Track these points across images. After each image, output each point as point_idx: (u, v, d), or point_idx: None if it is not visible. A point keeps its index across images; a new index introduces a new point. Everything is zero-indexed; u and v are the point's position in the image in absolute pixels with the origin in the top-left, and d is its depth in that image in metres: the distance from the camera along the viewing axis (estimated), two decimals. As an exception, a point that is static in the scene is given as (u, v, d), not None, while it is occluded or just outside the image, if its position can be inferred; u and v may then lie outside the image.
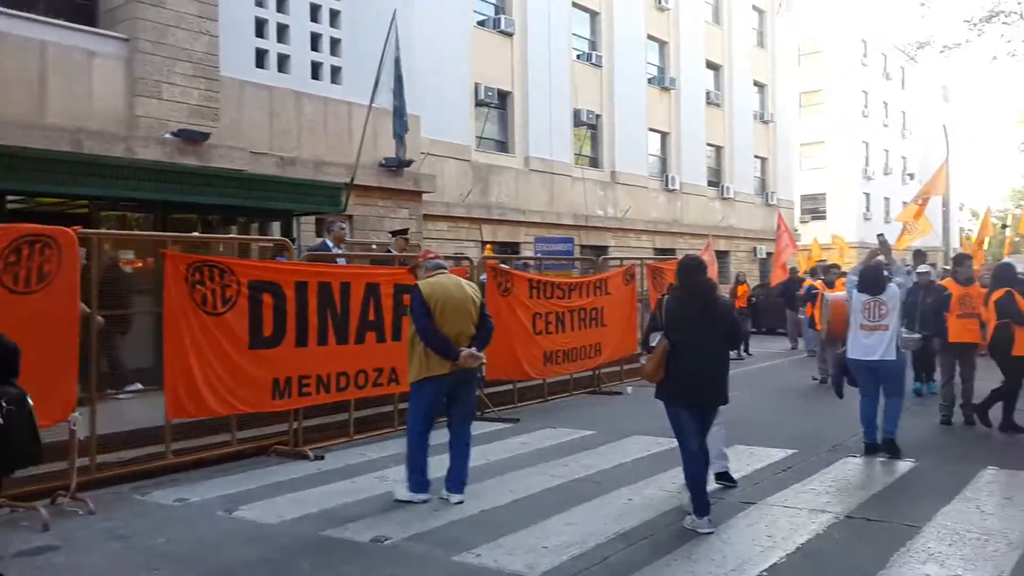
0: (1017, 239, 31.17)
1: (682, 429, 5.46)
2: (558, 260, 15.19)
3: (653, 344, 5.56)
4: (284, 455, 7.57)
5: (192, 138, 11.43)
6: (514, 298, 9.98)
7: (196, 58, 11.87)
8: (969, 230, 57.66)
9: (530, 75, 21.12)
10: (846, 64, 43.82)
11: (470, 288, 6.33)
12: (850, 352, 7.53)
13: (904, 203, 47.86)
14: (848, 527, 5.33)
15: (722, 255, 25.99)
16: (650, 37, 26.06)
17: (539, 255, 16.31)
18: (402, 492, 6.01)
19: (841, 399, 8.07)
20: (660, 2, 26.13)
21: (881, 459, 7.25)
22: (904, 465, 7.04)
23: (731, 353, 6.23)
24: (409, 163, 15.35)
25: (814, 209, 43.51)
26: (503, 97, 20.65)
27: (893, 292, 7.32)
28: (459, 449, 6.14)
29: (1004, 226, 35.24)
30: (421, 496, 5.95)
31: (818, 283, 13.06)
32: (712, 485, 5.89)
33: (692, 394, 5.43)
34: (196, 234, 10.29)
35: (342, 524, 5.46)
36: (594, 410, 10.34)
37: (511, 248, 20.08)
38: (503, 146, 20.97)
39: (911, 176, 50.04)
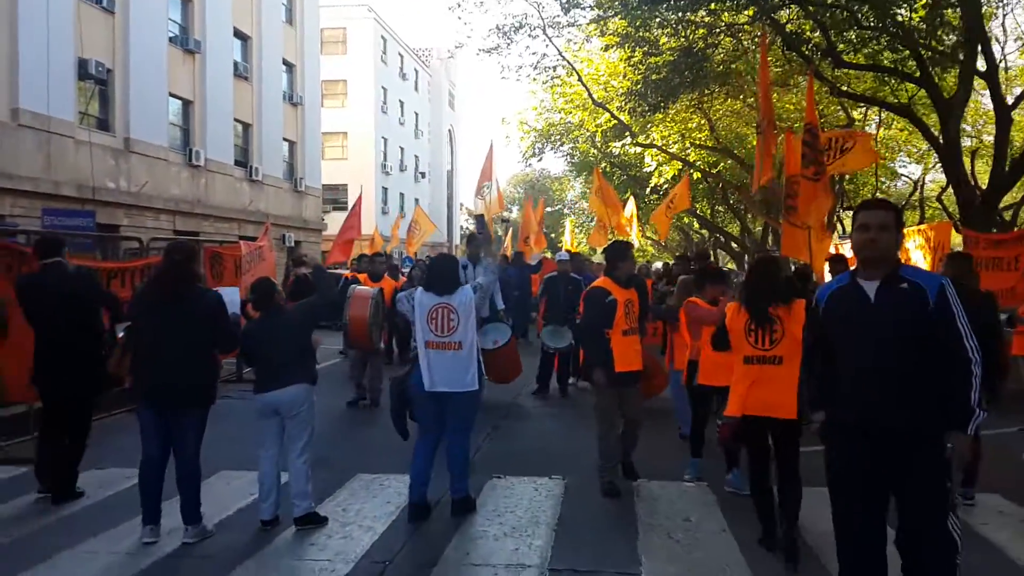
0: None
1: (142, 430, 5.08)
2: (75, 237, 11.80)
3: (119, 336, 5.61)
4: None
5: None
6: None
7: None
8: (467, 230, 63.24)
9: (20, 6, 16.90)
10: (366, 59, 44.60)
11: None
12: (413, 377, 5.56)
13: (416, 200, 50.82)
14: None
15: (250, 241, 23.99)
16: (173, -10, 22.99)
17: (48, 230, 12.79)
18: None
19: (405, 440, 5.75)
20: (185, -48, 23.19)
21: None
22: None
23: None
24: None
25: (335, 200, 43.47)
26: (-19, 28, 16.19)
27: (464, 297, 5.51)
28: None
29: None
30: None
31: (361, 275, 11.17)
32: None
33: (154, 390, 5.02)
34: None
35: None
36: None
37: (-9, 221, 15.78)
38: (-20, 90, 16.48)
39: (423, 174, 52.98)
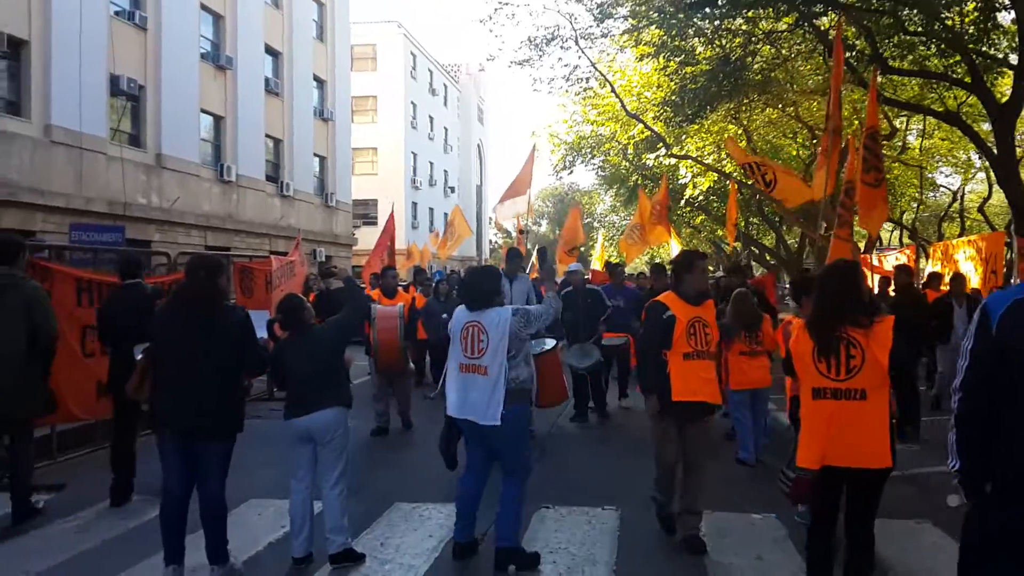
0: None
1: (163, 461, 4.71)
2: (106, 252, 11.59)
3: (138, 357, 4.99)
4: None
5: None
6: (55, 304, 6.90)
7: None
8: (496, 243, 63.03)
9: (54, 23, 16.90)
10: (396, 74, 44.61)
11: None
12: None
13: (446, 214, 50.64)
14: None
15: (281, 256, 23.84)
16: (204, 7, 22.97)
17: (76, 245, 12.61)
18: None
19: (451, 469, 5.27)
20: (216, -31, 23.21)
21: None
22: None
23: None
24: None
25: (365, 215, 43.39)
26: (16, 46, 16.18)
27: (497, 317, 4.85)
28: None
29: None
30: None
31: (374, 292, 9.91)
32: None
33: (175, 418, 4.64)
34: None
35: None
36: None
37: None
38: (14, 107, 16.45)
39: (452, 189, 52.83)
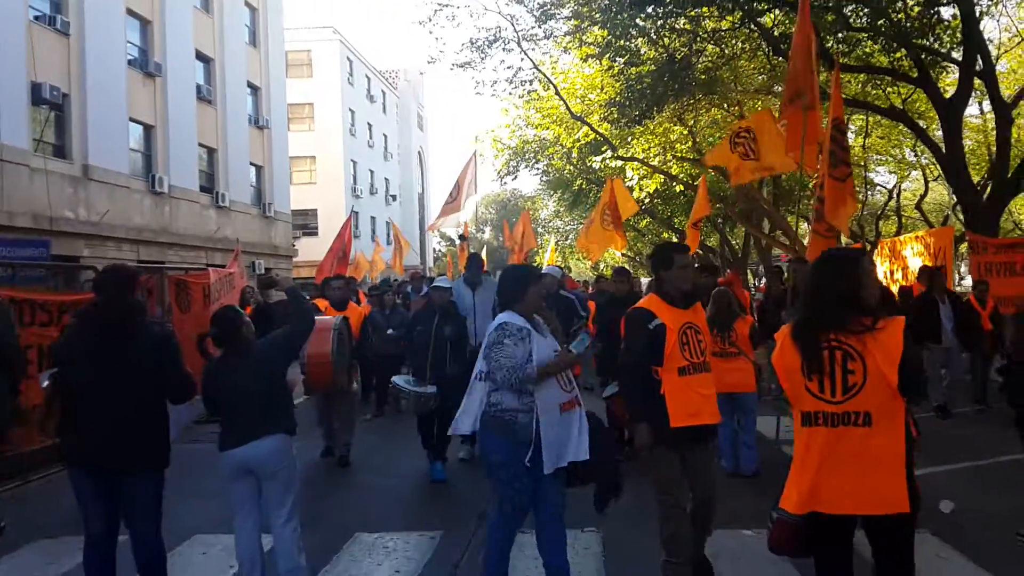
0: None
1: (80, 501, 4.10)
2: (28, 268, 10.72)
3: (44, 384, 4.17)
4: None
5: None
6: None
7: None
8: (440, 251, 62.54)
9: (-33, 29, 15.93)
10: (332, 81, 43.80)
11: None
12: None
13: (388, 223, 49.94)
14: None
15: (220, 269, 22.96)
16: (130, 12, 21.99)
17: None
18: None
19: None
20: (143, -27, 22.26)
21: None
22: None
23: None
24: None
25: (305, 225, 42.41)
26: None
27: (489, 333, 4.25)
28: None
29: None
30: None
31: (320, 302, 8.79)
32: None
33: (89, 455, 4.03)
34: None
35: None
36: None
37: (-62, 255, 14.67)
38: (-75, 117, 15.45)
39: (394, 197, 52.10)
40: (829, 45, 14.03)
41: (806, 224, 33.79)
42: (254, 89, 30.25)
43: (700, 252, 35.17)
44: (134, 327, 4.09)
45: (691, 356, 4.36)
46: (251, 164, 29.44)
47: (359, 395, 10.96)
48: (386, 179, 51.24)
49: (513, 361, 4.03)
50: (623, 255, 33.69)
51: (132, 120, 21.90)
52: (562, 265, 34.71)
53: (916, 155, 28.32)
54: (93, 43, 19.84)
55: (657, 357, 4.30)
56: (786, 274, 9.98)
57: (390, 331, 10.22)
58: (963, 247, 18.01)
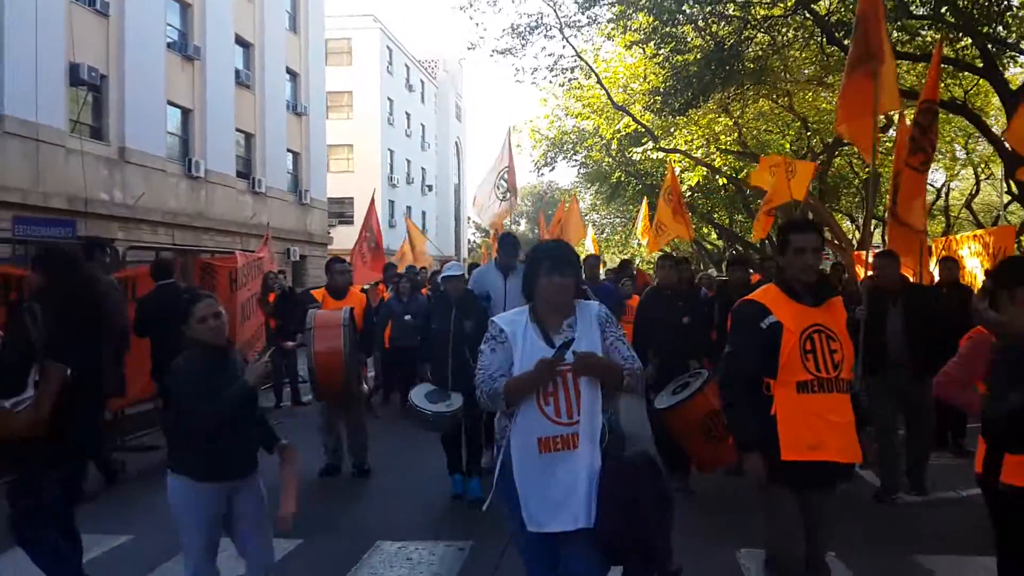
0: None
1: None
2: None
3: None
4: None
5: None
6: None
7: None
8: (475, 243, 62.23)
9: (7, 7, 15.79)
10: (372, 69, 43.58)
11: None
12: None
13: (424, 213, 49.71)
14: None
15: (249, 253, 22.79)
16: (170, -6, 21.92)
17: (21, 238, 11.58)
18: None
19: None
20: (181, -45, 22.13)
21: None
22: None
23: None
24: None
25: (341, 213, 42.29)
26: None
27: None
28: None
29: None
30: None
31: (318, 292, 7.90)
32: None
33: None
34: None
35: None
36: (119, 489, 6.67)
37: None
38: (-38, 96, 15.37)
39: (430, 187, 51.84)
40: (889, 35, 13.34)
41: (848, 221, 32.94)
42: (293, 75, 30.08)
43: (739, 248, 34.42)
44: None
45: (817, 369, 3.34)
46: (288, 151, 29.30)
47: (379, 396, 10.52)
48: (423, 169, 50.98)
49: (485, 373, 3.21)
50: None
51: (170, 103, 21.80)
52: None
53: (967, 152, 27.34)
54: (132, 25, 19.72)
55: (770, 366, 3.36)
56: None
57: (407, 317, 9.60)
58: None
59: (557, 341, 3.15)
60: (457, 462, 6.21)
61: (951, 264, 8.18)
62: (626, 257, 26.87)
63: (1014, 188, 16.02)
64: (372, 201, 17.11)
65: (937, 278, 8.12)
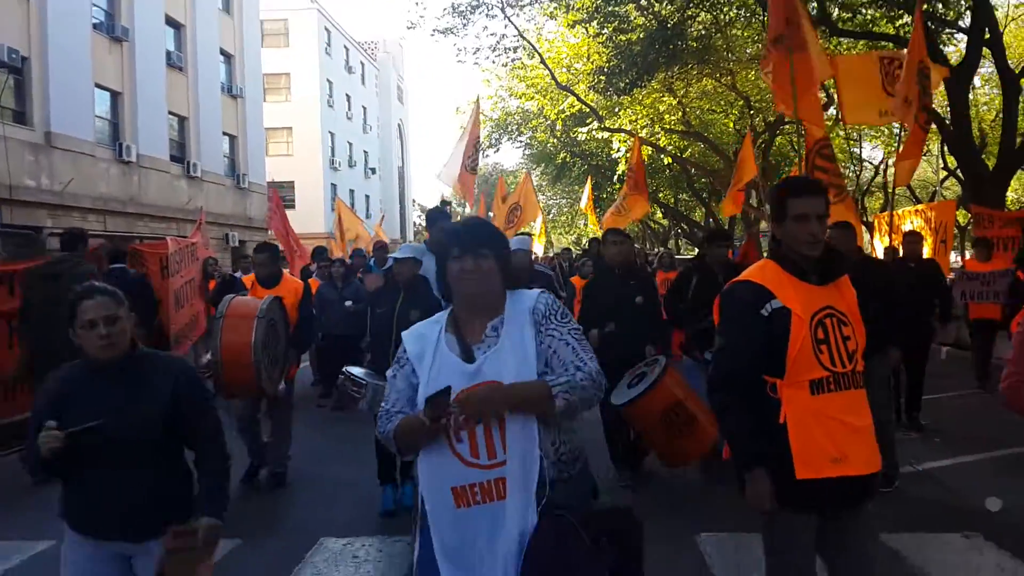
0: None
1: None
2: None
3: None
4: None
5: None
6: None
7: None
8: (421, 226, 61.65)
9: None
10: (310, 51, 42.68)
11: None
12: None
13: (367, 196, 49.01)
14: None
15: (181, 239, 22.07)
16: (95, -27, 21.00)
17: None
18: None
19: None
20: (106, -68, 21.19)
21: None
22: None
23: None
24: None
25: (281, 197, 41.33)
26: None
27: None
28: None
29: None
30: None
31: (246, 278, 7.05)
32: None
33: None
34: None
35: None
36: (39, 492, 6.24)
37: None
38: None
39: (373, 171, 51.12)
40: (830, 12, 13.40)
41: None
42: (228, 57, 29.20)
43: (685, 227, 34.65)
44: None
45: (832, 363, 2.68)
46: (224, 134, 28.46)
47: (319, 387, 9.88)
48: (365, 152, 50.23)
49: (383, 408, 2.48)
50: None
51: (98, 86, 20.92)
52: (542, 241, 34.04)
53: (904, 129, 27.81)
54: (55, 4, 18.81)
55: (775, 362, 2.68)
56: None
57: (348, 303, 9.01)
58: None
59: (478, 354, 2.36)
60: (391, 469, 5.47)
61: (915, 238, 8.14)
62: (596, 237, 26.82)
63: (951, 163, 16.29)
64: (275, 194, 16.41)
65: (902, 252, 8.05)
